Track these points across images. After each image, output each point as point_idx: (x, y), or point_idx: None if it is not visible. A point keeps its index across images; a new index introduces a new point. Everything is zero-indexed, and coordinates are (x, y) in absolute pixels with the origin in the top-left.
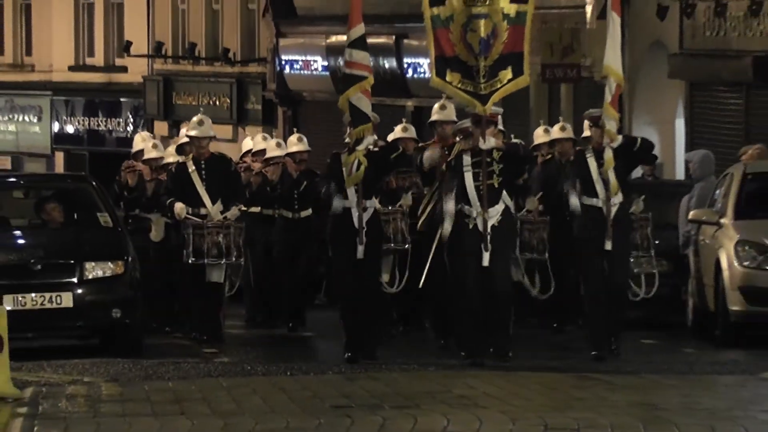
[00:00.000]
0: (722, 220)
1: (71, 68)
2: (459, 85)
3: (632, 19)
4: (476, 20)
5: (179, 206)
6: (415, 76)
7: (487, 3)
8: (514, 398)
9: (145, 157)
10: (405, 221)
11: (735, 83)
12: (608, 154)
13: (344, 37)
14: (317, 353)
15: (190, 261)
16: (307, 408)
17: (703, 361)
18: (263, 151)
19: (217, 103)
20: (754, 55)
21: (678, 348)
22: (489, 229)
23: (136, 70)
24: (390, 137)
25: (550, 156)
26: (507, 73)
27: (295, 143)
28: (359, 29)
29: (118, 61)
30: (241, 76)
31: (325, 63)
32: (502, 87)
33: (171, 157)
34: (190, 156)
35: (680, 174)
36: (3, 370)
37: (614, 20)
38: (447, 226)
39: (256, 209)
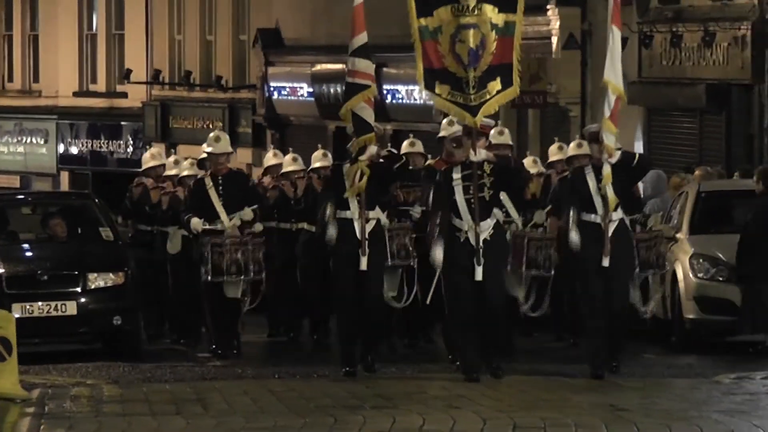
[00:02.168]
0: (678, 235)
1: (75, 94)
2: (448, 97)
3: (594, 49)
4: (465, 31)
5: (195, 221)
6: (394, 101)
7: (476, 13)
8: (484, 399)
9: (167, 173)
10: (410, 237)
11: (689, 109)
12: (606, 170)
13: (328, 66)
14: (303, 358)
15: (209, 279)
16: (293, 408)
17: (661, 365)
18: (276, 167)
19: (211, 126)
20: (707, 82)
21: (637, 353)
22: (481, 243)
23: (135, 96)
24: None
25: (565, 173)
26: (496, 84)
27: (320, 159)
28: (362, 38)
29: (119, 88)
30: (233, 101)
31: (311, 89)
32: (491, 98)
33: (186, 170)
34: (208, 172)
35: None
36: (12, 373)
37: (614, 34)
38: (437, 253)
39: (272, 223)
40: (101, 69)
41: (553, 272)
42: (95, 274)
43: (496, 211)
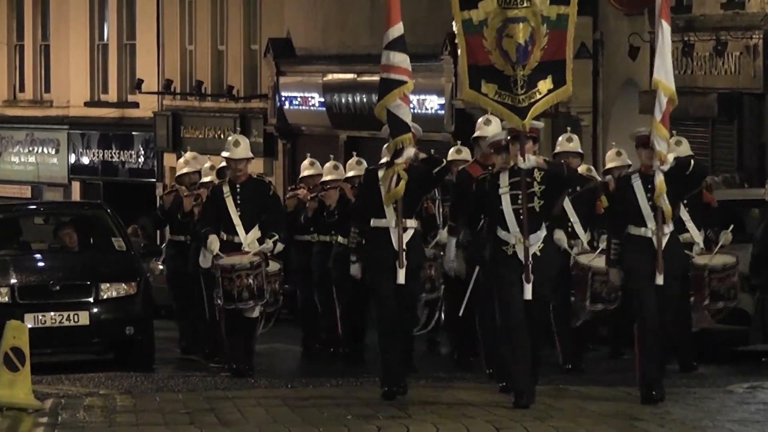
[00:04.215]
0: None
1: (87, 104)
2: (495, 98)
3: (606, 59)
4: (513, 25)
5: (212, 240)
6: None
7: (525, 5)
8: (498, 408)
9: (203, 179)
10: (436, 268)
11: (701, 118)
12: (659, 179)
13: (339, 76)
14: (316, 366)
15: (221, 304)
16: (306, 418)
17: (673, 374)
18: (311, 178)
19: (222, 136)
20: (719, 92)
21: None
22: (530, 259)
23: (147, 105)
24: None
25: None
26: (547, 83)
27: (354, 167)
28: (397, 29)
29: (131, 98)
30: (244, 111)
31: (322, 99)
32: (542, 98)
33: (208, 176)
34: (226, 179)
35: None
36: (25, 383)
37: (663, 28)
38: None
39: (307, 237)
40: (112, 79)
41: (617, 305)
42: (107, 284)
43: (559, 233)
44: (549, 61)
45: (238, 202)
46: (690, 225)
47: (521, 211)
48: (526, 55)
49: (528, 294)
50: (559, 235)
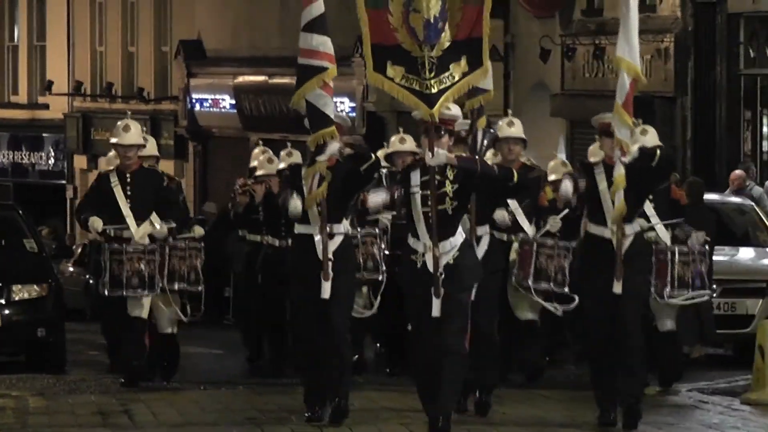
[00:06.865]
0: None
1: None
2: (402, 82)
3: (517, 61)
4: None
5: (94, 219)
6: None
7: None
8: (410, 411)
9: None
10: (378, 246)
11: None
12: (619, 171)
13: (250, 78)
14: (229, 369)
15: (105, 293)
16: (219, 420)
17: (584, 378)
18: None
19: None
20: None
21: (563, 365)
22: (441, 269)
23: (57, 107)
24: (384, 152)
25: None
26: (461, 66)
27: (285, 159)
28: (317, 7)
29: (41, 99)
30: (155, 113)
31: (233, 101)
32: (455, 84)
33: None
34: (114, 168)
35: None
36: None
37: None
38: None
39: (243, 233)
40: (23, 80)
41: (566, 289)
42: (19, 286)
43: (501, 214)
44: (463, 40)
45: (128, 192)
46: (656, 224)
47: (431, 214)
48: (436, 33)
49: (436, 310)
50: (501, 215)
